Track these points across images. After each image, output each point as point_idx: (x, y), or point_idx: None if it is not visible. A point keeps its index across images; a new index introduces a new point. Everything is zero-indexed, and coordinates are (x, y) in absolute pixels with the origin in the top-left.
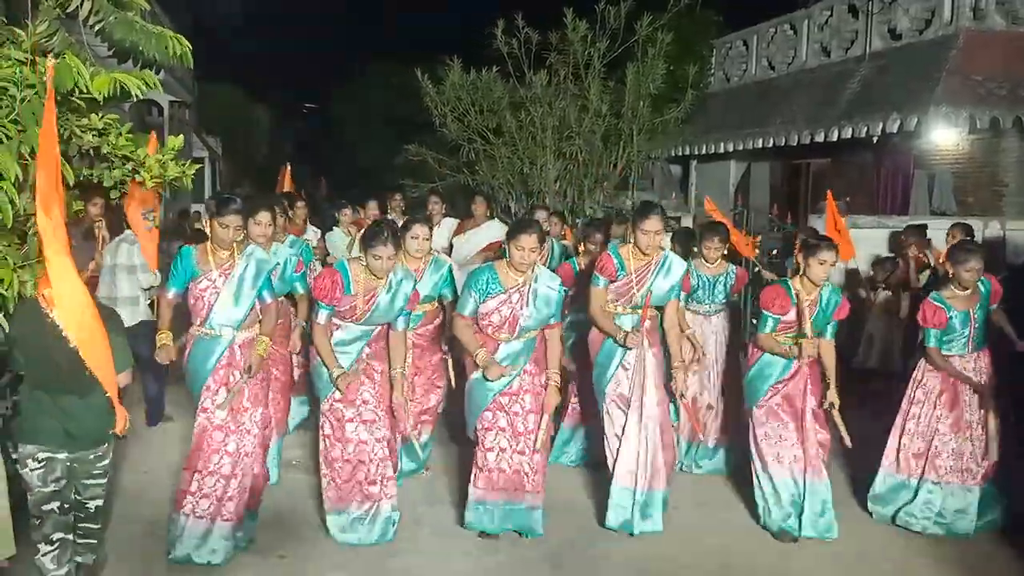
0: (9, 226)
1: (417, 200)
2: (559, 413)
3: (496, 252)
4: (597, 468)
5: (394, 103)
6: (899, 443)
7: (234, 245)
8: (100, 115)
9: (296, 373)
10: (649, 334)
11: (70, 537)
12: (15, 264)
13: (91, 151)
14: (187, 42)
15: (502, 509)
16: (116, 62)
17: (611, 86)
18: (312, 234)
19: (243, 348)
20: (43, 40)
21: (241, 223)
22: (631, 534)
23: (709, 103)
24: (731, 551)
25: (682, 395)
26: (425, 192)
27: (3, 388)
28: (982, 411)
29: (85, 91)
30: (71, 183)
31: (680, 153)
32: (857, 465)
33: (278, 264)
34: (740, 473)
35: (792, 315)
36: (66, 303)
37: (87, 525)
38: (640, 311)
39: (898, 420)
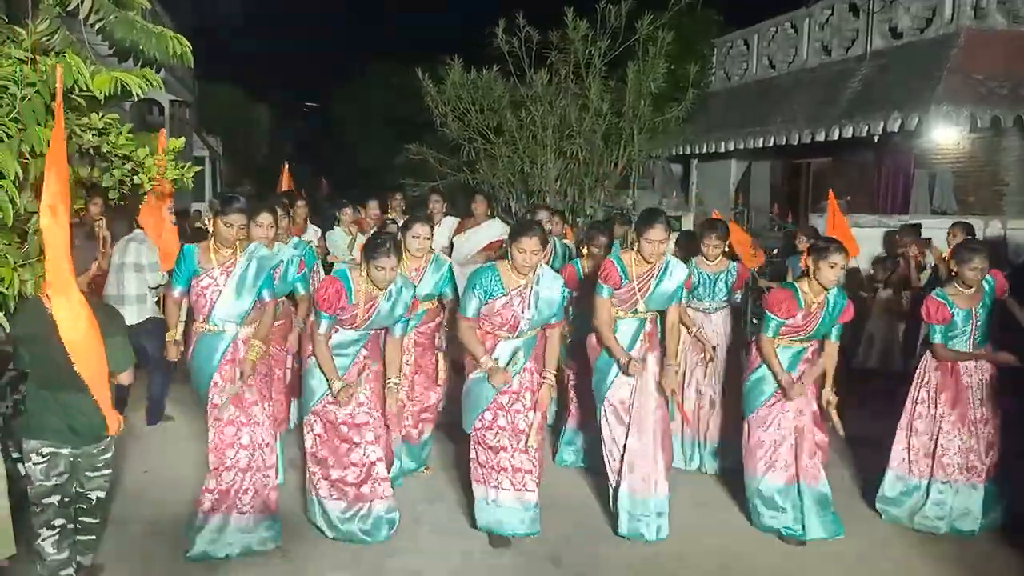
0: (9, 224)
1: (418, 199)
2: (561, 414)
3: (497, 252)
4: (597, 470)
5: (394, 103)
6: (907, 443)
7: (237, 244)
8: (100, 114)
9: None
10: (649, 337)
11: (71, 525)
12: (15, 263)
13: (91, 150)
14: (187, 41)
15: (504, 508)
16: (116, 61)
17: (612, 85)
18: (312, 233)
19: (247, 343)
20: (44, 39)
21: (245, 222)
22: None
23: (710, 102)
24: (731, 551)
25: (673, 391)
26: (426, 191)
27: (3, 388)
28: (984, 408)
29: (85, 89)
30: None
31: (681, 152)
32: (858, 465)
33: (282, 262)
34: (740, 472)
35: (799, 319)
36: (62, 314)
37: (87, 519)
38: (641, 314)
39: (903, 420)
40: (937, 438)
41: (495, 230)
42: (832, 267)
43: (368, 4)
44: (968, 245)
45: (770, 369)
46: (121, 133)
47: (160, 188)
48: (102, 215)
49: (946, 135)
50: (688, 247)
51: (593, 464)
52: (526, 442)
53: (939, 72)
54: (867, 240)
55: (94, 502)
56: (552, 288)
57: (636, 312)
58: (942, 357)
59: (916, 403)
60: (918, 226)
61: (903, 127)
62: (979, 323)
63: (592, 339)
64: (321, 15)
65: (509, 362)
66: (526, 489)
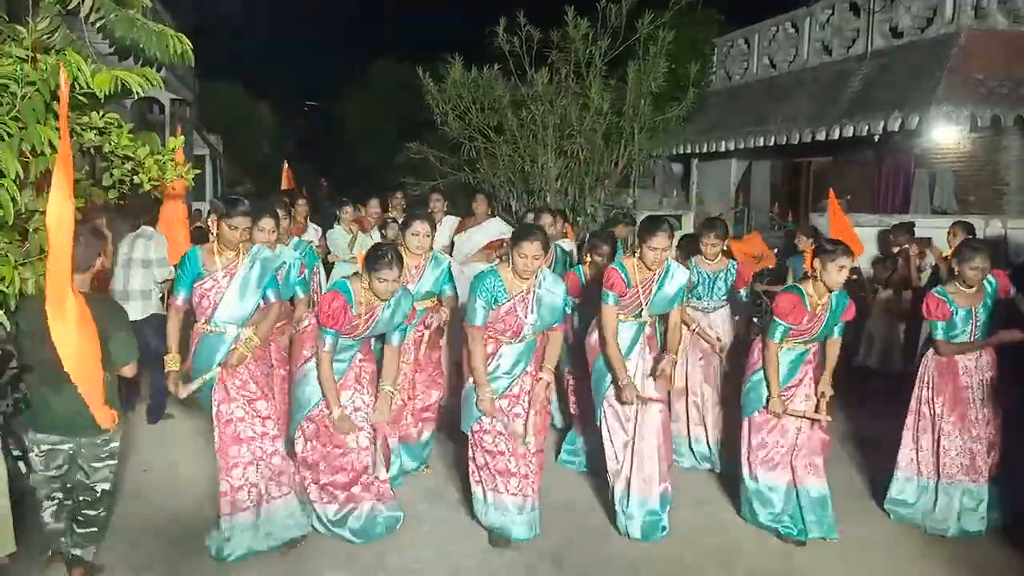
0: (10, 223)
1: (418, 198)
2: (563, 416)
3: (498, 251)
4: (598, 470)
5: (395, 102)
6: (913, 444)
7: (240, 246)
8: (101, 113)
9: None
10: (649, 339)
11: (69, 502)
12: (16, 261)
13: (92, 149)
14: (188, 40)
15: (502, 511)
16: (117, 59)
17: (612, 84)
18: (313, 232)
19: None
20: (44, 37)
21: (249, 225)
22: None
23: (710, 101)
24: (731, 550)
25: (660, 371)
26: (426, 190)
27: (3, 386)
28: (985, 408)
29: (86, 88)
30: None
31: (681, 151)
32: (860, 464)
33: (284, 263)
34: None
35: (804, 322)
36: (53, 313)
37: (89, 512)
38: (642, 319)
39: (908, 420)
40: (939, 439)
41: (495, 229)
42: (840, 269)
43: (369, 3)
44: (970, 244)
45: (767, 379)
46: (122, 133)
47: (174, 187)
48: (101, 213)
49: (946, 134)
50: (688, 248)
51: (594, 465)
52: (524, 444)
53: (940, 72)
54: (867, 240)
55: (98, 494)
56: (554, 292)
57: (639, 316)
58: (946, 352)
59: (919, 403)
60: (911, 225)
61: (903, 126)
62: (979, 323)
63: (591, 340)
64: (322, 14)
65: (511, 369)
66: (522, 494)
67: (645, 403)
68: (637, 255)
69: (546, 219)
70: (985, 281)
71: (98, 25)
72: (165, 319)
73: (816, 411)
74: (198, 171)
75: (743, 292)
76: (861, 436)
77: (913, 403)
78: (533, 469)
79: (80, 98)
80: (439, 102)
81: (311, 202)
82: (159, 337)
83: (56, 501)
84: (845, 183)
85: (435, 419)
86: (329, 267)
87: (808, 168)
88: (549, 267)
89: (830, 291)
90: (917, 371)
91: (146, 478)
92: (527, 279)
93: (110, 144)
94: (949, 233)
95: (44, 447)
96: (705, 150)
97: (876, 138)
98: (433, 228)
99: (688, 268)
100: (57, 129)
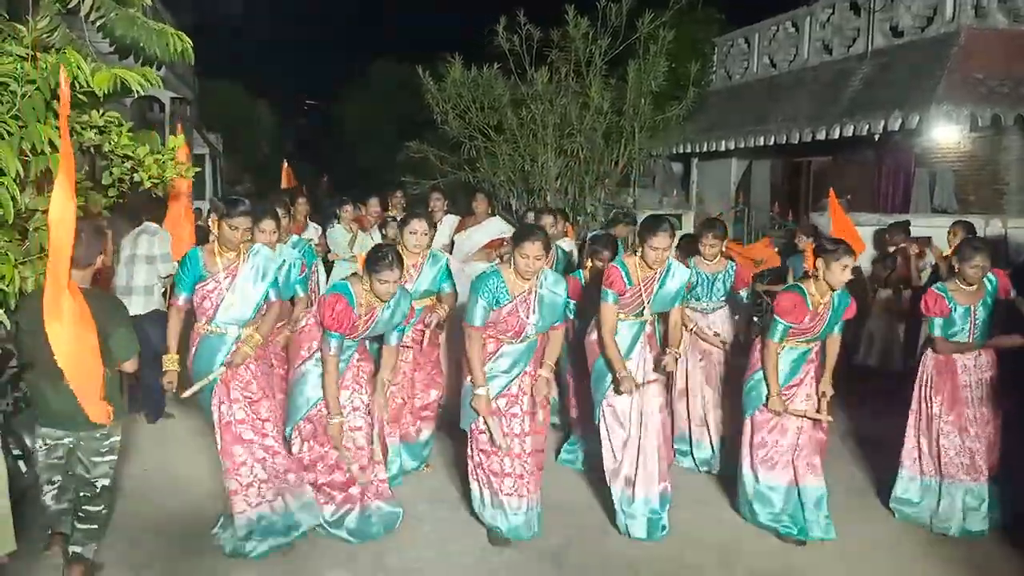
0: (10, 222)
1: (418, 197)
2: (563, 415)
3: (498, 250)
4: (598, 469)
5: (395, 102)
6: (915, 443)
7: (240, 246)
8: (101, 112)
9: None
10: (649, 338)
11: (70, 485)
12: (16, 260)
13: (91, 148)
14: (188, 38)
15: (501, 511)
16: (117, 58)
17: (612, 83)
18: (313, 231)
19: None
20: (44, 36)
21: (250, 225)
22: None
23: (710, 101)
24: (731, 550)
25: (665, 368)
26: (426, 189)
27: (3, 385)
28: (984, 408)
29: (86, 86)
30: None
31: (681, 151)
32: (861, 463)
33: (285, 262)
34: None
35: (806, 321)
36: (53, 322)
37: (90, 508)
38: (643, 318)
39: (910, 420)
40: (938, 439)
41: (495, 228)
42: (844, 268)
43: (369, 3)
44: (971, 243)
45: (766, 378)
46: (122, 132)
47: (178, 185)
48: (102, 213)
49: (947, 134)
50: (687, 248)
51: (594, 464)
52: (519, 444)
53: (940, 71)
54: (866, 239)
55: (98, 490)
56: (556, 292)
57: (640, 315)
58: (942, 350)
59: (920, 402)
60: (906, 224)
61: (904, 126)
62: (978, 321)
63: (591, 339)
64: (322, 14)
65: (510, 369)
66: (517, 494)
67: (645, 399)
68: (638, 254)
69: (547, 219)
70: (985, 279)
71: (98, 24)
72: (166, 315)
73: (817, 411)
74: (198, 169)
75: (743, 293)
76: (862, 435)
77: (913, 403)
78: (529, 469)
79: (80, 97)
80: (439, 101)
81: (311, 200)
82: (159, 332)
83: (56, 484)
84: (845, 182)
85: (434, 418)
86: (329, 266)
87: (808, 167)
88: (550, 267)
89: (832, 290)
90: (917, 370)
91: (146, 477)
92: (529, 279)
93: (110, 143)
94: (949, 233)
95: (49, 440)
96: (705, 149)
97: (876, 137)
98: (431, 227)
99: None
100: (57, 128)
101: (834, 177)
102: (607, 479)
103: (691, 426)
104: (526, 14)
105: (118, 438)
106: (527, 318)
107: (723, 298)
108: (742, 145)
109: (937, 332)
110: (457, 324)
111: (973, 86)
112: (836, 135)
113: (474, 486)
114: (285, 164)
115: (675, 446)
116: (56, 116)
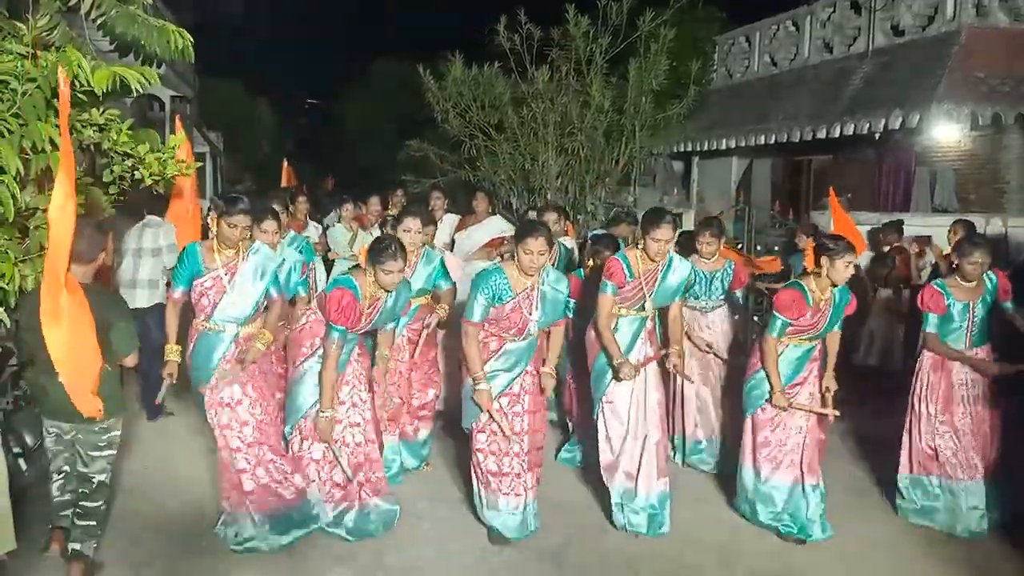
0: (11, 220)
1: (419, 196)
2: (562, 413)
3: (499, 249)
4: (597, 468)
5: (396, 101)
6: (918, 443)
7: (239, 243)
8: (101, 110)
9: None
10: (649, 334)
11: (74, 475)
12: (16, 258)
13: (92, 146)
14: (189, 36)
15: (500, 511)
16: (117, 56)
17: (613, 82)
18: (313, 230)
19: (248, 342)
20: (44, 34)
21: (249, 223)
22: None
23: (711, 99)
24: (731, 550)
25: (677, 367)
26: (427, 188)
27: (3, 384)
28: (980, 406)
29: (86, 85)
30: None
31: (682, 149)
32: (861, 463)
33: (284, 260)
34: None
35: (808, 318)
36: (47, 309)
37: (88, 504)
38: (644, 312)
39: (910, 419)
40: (935, 438)
41: (496, 227)
42: (847, 266)
43: (369, 3)
44: (971, 240)
45: (766, 373)
46: (122, 130)
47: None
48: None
49: (947, 133)
50: (686, 246)
51: (593, 462)
52: (519, 443)
53: (941, 70)
54: (868, 238)
55: (95, 485)
56: (558, 288)
57: (641, 309)
58: (934, 348)
59: (918, 401)
60: (900, 223)
61: (904, 124)
62: (976, 318)
63: (591, 336)
64: (322, 13)
65: (512, 367)
66: (515, 493)
67: (645, 395)
68: (640, 246)
69: (550, 216)
70: (985, 277)
71: (98, 22)
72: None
73: (823, 406)
74: (199, 164)
75: (738, 293)
76: (862, 434)
77: (911, 402)
78: (527, 468)
79: (80, 95)
80: (439, 100)
81: (312, 200)
82: (162, 327)
83: (63, 475)
84: (846, 181)
85: (432, 418)
86: (329, 264)
87: (809, 166)
88: (552, 264)
89: (834, 286)
90: (914, 369)
91: (146, 475)
92: (531, 276)
93: (110, 141)
94: (950, 231)
95: (54, 429)
96: (706, 148)
97: (877, 136)
98: (429, 224)
99: None
100: (57, 126)
101: (835, 176)
102: (603, 475)
103: (686, 426)
104: (527, 13)
105: (118, 433)
106: (530, 315)
107: (722, 296)
108: (743, 144)
109: (931, 328)
110: (458, 322)
111: (974, 85)
112: (837, 134)
113: (475, 485)
114: (285, 163)
115: (671, 444)
116: (56, 114)
